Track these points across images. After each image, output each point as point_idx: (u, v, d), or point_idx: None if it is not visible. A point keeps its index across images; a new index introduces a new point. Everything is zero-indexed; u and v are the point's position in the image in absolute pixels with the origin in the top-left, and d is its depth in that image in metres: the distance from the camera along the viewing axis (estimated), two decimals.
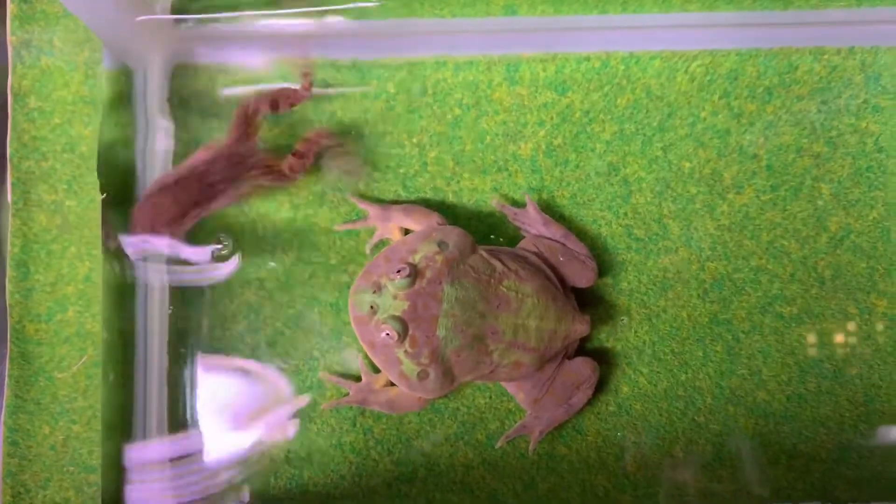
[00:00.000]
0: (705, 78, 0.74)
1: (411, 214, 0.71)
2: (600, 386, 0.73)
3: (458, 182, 0.74)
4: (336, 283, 0.75)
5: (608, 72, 0.74)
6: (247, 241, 0.76)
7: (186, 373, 0.75)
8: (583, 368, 0.70)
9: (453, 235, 0.65)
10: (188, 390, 0.75)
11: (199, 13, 0.76)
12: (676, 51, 0.74)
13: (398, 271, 0.62)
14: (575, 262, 0.70)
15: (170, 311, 0.75)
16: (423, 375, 0.64)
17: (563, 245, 0.70)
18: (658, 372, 0.74)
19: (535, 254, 0.69)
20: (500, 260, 0.66)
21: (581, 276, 0.70)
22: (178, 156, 0.76)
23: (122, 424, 0.75)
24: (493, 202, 0.72)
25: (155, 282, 0.76)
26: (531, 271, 0.67)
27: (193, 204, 0.66)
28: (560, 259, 0.69)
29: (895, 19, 0.73)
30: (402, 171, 0.75)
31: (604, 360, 0.73)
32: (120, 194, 0.76)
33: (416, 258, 0.64)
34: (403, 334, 0.62)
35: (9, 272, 0.76)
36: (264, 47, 0.76)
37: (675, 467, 0.73)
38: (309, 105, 0.76)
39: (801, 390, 0.73)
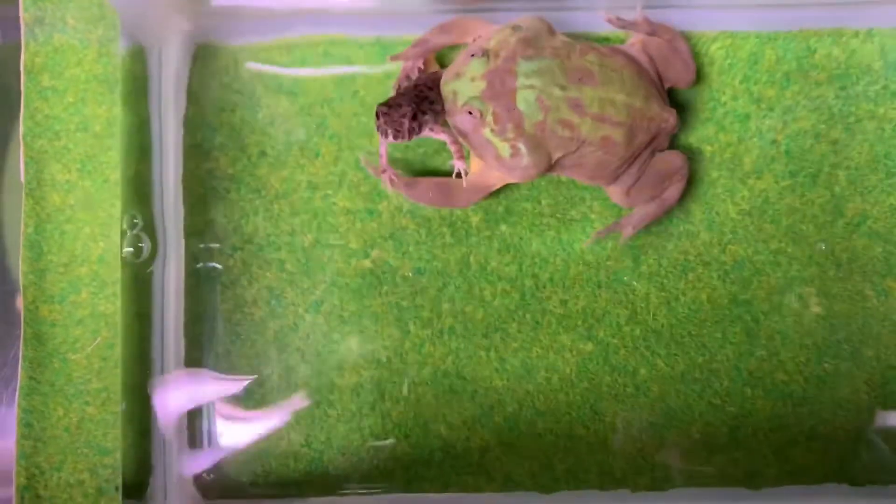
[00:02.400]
0: (725, 61, 0.75)
1: (450, 30, 0.73)
2: (620, 370, 0.75)
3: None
4: (357, 268, 0.77)
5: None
6: (263, 223, 0.77)
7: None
8: (674, 158, 0.72)
9: (528, 19, 0.69)
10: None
11: None
12: (695, 31, 0.75)
13: (472, 55, 0.66)
14: (677, 61, 0.72)
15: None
16: (514, 152, 0.66)
17: (670, 44, 0.72)
18: (676, 354, 0.76)
19: (641, 44, 0.72)
20: (582, 42, 0.69)
21: (681, 76, 0.73)
22: (192, 135, 0.77)
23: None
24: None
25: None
26: (616, 50, 0.70)
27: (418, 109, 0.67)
28: (664, 54, 0.72)
29: None
30: (421, 150, 0.77)
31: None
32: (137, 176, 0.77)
33: (492, 43, 0.67)
34: (485, 112, 0.65)
35: (22, 252, 0.76)
36: (287, 26, 0.77)
37: (692, 449, 0.75)
38: (330, 85, 0.77)
39: (818, 372, 0.75)
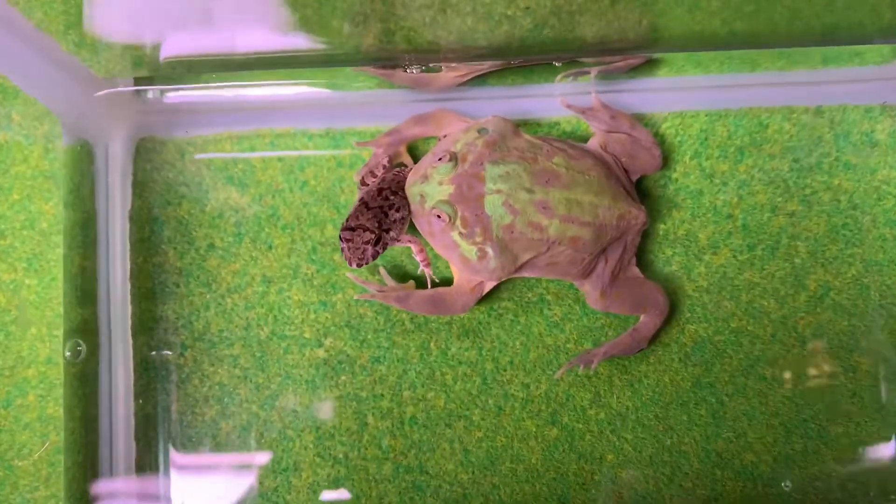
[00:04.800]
0: (675, 139, 0.78)
1: (425, 122, 0.75)
2: (592, 453, 0.75)
3: (431, 249, 0.76)
4: (311, 359, 0.77)
5: (580, 135, 0.78)
6: (215, 318, 0.78)
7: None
8: (658, 295, 0.75)
9: (493, 121, 0.71)
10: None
11: (164, 86, 0.79)
12: (646, 113, 0.78)
13: (439, 159, 0.68)
14: (641, 152, 0.75)
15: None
16: (481, 255, 0.68)
17: (630, 135, 0.75)
18: (643, 438, 0.76)
19: (603, 146, 0.74)
20: (548, 141, 0.72)
21: (648, 165, 0.75)
22: (140, 229, 0.78)
23: None
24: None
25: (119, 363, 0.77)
26: (583, 151, 0.72)
27: (380, 226, 0.69)
28: (627, 149, 0.75)
29: (860, 78, 0.78)
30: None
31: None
32: (83, 272, 0.77)
33: (458, 146, 0.70)
34: (453, 216, 0.67)
35: None
36: (235, 119, 0.79)
37: None
38: (280, 175, 0.78)
39: (787, 451, 0.76)
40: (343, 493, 0.76)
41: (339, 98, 0.79)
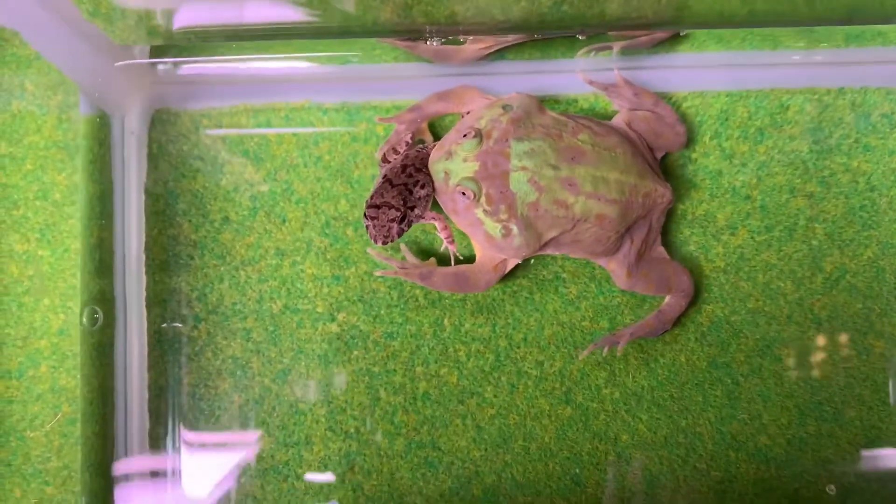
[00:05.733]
0: (696, 119, 0.77)
1: (447, 99, 0.75)
2: (605, 433, 0.76)
3: (455, 227, 0.76)
4: (324, 333, 0.77)
5: (598, 112, 0.78)
6: (228, 290, 0.78)
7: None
8: (683, 277, 0.75)
9: (517, 98, 0.71)
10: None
11: (181, 58, 0.79)
12: (667, 92, 0.77)
13: (464, 135, 0.67)
14: (666, 130, 0.75)
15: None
16: (506, 232, 0.68)
17: (654, 113, 0.75)
18: (658, 418, 0.76)
19: (627, 124, 0.74)
20: (573, 118, 0.71)
21: (672, 142, 0.75)
22: (155, 202, 0.78)
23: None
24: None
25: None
26: (609, 128, 0.72)
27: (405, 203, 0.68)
28: (651, 127, 0.75)
29: (882, 60, 0.77)
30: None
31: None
32: (99, 244, 0.77)
33: (483, 123, 0.69)
34: (478, 193, 0.67)
35: None
36: (250, 92, 0.79)
37: None
38: (295, 150, 0.78)
39: (801, 434, 0.76)
40: (353, 466, 0.76)
41: (356, 71, 0.79)
